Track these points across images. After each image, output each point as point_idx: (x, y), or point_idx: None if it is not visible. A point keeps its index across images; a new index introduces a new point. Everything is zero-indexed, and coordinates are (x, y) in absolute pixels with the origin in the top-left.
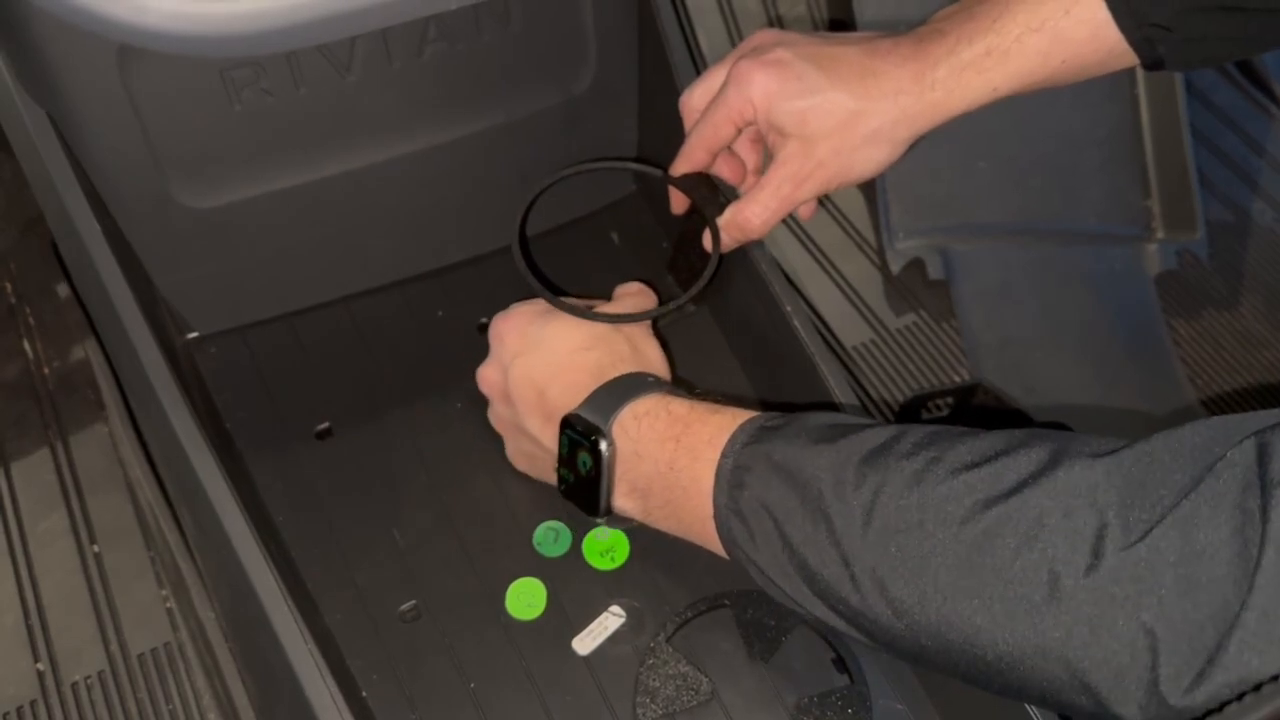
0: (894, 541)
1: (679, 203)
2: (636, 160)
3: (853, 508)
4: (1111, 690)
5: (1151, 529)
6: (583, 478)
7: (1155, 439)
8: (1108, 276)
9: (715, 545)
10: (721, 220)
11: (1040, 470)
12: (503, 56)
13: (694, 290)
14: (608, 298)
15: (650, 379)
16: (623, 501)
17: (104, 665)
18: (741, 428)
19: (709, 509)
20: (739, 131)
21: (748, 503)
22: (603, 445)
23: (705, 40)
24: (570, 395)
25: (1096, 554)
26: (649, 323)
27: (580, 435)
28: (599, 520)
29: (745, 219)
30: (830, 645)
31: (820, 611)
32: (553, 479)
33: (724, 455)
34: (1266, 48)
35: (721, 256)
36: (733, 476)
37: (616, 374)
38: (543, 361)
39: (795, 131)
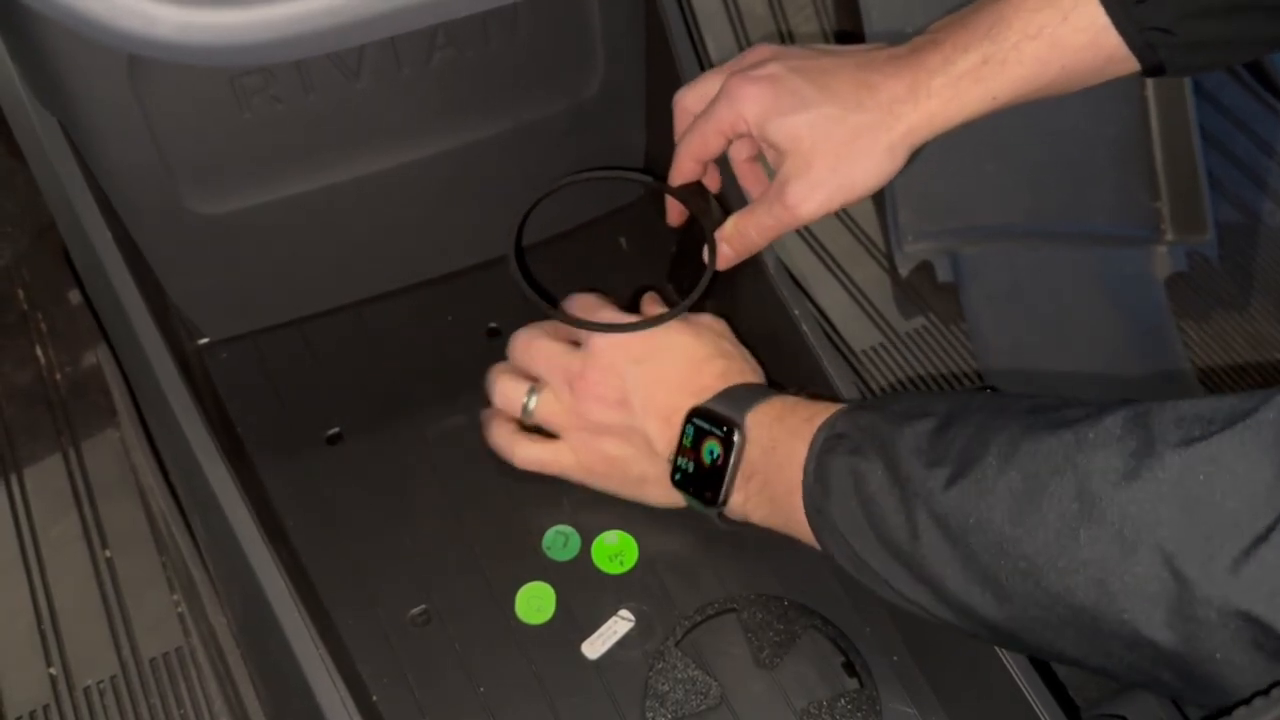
0: (954, 485)
1: (675, 214)
2: (634, 170)
3: (923, 461)
4: (1139, 606)
5: (1188, 446)
6: (706, 468)
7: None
8: (1117, 279)
9: (802, 522)
10: (720, 233)
11: (1092, 413)
12: (510, 62)
13: (687, 303)
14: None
15: (770, 388)
16: (734, 494)
17: (116, 670)
18: (840, 409)
19: (799, 478)
20: (729, 143)
21: (834, 465)
22: (736, 435)
23: (713, 45)
24: (697, 399)
25: (1130, 473)
26: (727, 329)
27: (712, 425)
28: (712, 512)
29: (744, 233)
30: (839, 649)
31: (889, 571)
32: (623, 490)
33: (819, 430)
34: (1268, 49)
35: (716, 271)
36: (825, 444)
37: (741, 381)
38: (674, 368)
39: (790, 147)
